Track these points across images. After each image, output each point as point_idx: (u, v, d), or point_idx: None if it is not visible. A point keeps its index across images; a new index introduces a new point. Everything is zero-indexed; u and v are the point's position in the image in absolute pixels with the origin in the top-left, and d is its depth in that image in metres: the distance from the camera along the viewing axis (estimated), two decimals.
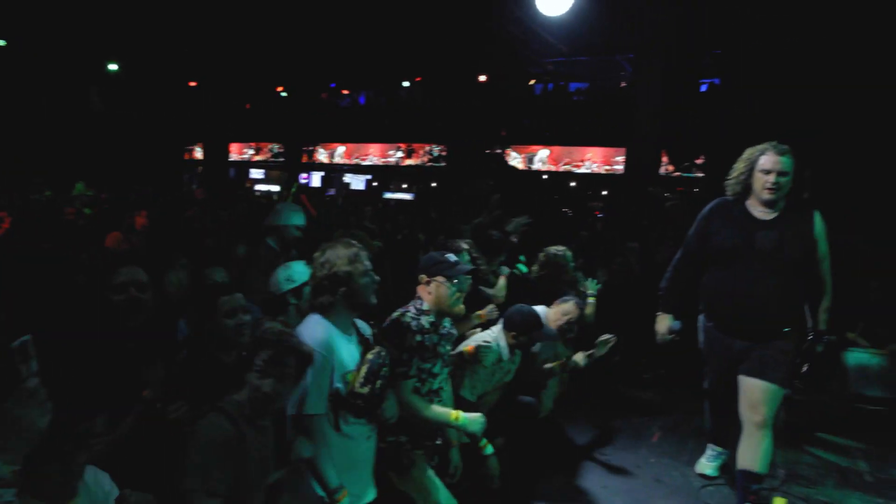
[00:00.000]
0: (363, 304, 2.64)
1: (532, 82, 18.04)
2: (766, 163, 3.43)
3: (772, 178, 3.40)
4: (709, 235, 3.61)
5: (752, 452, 3.47)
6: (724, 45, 13.06)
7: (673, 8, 7.38)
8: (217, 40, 15.46)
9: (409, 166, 20.85)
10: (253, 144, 24.08)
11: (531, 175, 17.69)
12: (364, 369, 2.54)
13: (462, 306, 3.02)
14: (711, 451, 4.12)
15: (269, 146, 23.80)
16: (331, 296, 2.55)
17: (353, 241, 2.68)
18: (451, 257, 3.00)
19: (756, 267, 3.43)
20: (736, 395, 3.58)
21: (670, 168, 14.54)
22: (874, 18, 9.00)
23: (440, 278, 2.91)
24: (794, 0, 9.45)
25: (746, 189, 3.55)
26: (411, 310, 2.91)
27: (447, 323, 3.05)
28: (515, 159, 18.43)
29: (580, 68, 17.96)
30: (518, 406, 3.89)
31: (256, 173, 25.04)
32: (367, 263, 2.62)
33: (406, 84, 19.57)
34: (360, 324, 2.78)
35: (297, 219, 4.37)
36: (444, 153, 19.55)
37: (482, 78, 17.16)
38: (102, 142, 16.56)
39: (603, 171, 17.08)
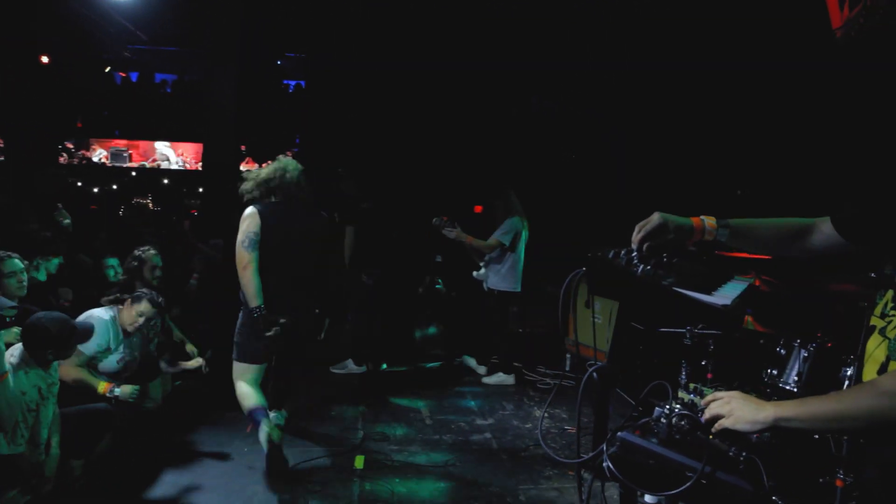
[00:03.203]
0: None
1: (108, 69, 16.15)
2: None
3: None
4: None
5: None
6: (308, 50, 13.96)
7: (248, 11, 7.54)
8: None
9: None
10: None
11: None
12: None
13: None
14: None
15: None
16: None
17: None
18: None
19: None
20: None
21: (252, 165, 14.69)
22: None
23: None
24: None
25: None
26: None
27: None
28: (98, 154, 16.53)
29: (168, 59, 16.92)
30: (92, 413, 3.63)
31: None
32: None
33: None
34: None
35: None
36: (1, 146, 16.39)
37: (45, 59, 14.74)
38: None
39: (197, 168, 16.14)
